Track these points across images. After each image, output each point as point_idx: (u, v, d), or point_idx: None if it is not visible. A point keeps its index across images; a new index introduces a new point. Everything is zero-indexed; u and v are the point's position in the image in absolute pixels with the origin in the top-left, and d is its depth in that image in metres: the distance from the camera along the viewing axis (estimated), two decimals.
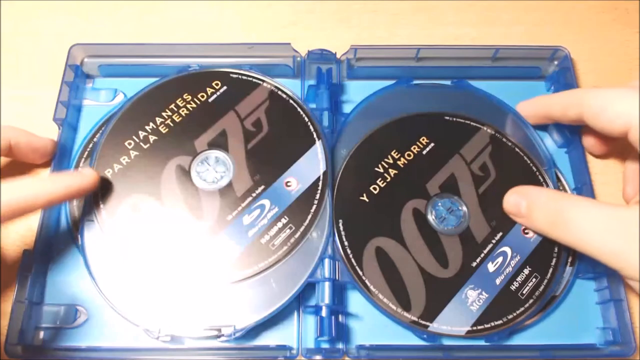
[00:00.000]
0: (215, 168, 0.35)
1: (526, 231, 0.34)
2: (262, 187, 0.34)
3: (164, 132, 0.36)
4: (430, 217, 0.34)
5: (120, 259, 0.32)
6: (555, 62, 0.40)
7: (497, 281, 0.33)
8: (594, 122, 0.32)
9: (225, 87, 0.37)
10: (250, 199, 0.34)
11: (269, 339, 0.32)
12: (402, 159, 0.36)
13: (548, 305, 0.33)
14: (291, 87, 0.38)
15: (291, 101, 0.37)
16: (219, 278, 0.32)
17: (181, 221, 0.33)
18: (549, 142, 0.38)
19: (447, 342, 0.32)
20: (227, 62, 0.39)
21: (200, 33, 0.43)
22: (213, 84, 0.37)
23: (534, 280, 0.33)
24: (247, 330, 0.31)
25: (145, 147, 0.35)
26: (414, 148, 0.36)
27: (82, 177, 0.32)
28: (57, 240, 0.34)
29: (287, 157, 0.35)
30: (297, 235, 0.33)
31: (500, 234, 0.34)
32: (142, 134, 0.35)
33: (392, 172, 0.35)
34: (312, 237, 0.33)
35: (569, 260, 0.34)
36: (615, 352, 0.32)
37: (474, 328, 0.32)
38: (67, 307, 0.32)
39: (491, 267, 0.33)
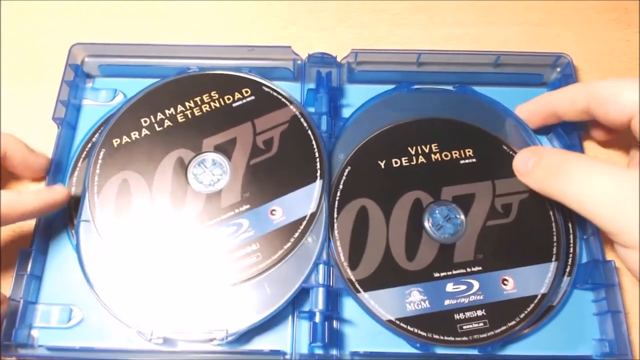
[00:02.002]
0: (212, 171, 0.35)
1: (505, 283, 0.33)
2: (248, 206, 0.34)
3: (180, 121, 0.36)
4: (427, 225, 0.34)
5: (114, 260, 0.32)
6: (558, 69, 0.40)
7: (446, 302, 0.32)
8: (601, 111, 0.32)
9: (252, 97, 0.37)
10: (232, 213, 0.33)
11: (263, 343, 0.32)
12: (400, 163, 0.36)
13: (544, 316, 0.33)
14: (291, 90, 0.38)
15: (309, 132, 0.36)
16: (211, 281, 0.32)
17: (168, 218, 0.33)
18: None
19: (440, 351, 0.32)
20: (227, 64, 0.39)
21: (200, 33, 0.43)
22: (243, 91, 0.37)
23: (477, 325, 0.32)
24: (239, 335, 0.31)
25: (158, 129, 0.35)
26: (419, 153, 0.36)
27: (55, 192, 0.33)
28: (54, 240, 0.34)
29: (283, 185, 0.34)
30: (260, 266, 0.32)
31: (479, 268, 0.33)
32: (159, 116, 0.36)
33: (391, 176, 0.35)
34: (307, 242, 0.33)
35: (567, 270, 0.34)
36: None
37: (397, 322, 0.32)
38: (62, 307, 0.33)
39: (450, 287, 0.33)
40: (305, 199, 0.34)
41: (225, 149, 0.35)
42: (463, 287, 0.33)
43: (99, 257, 0.32)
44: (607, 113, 0.31)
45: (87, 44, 0.39)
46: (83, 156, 0.37)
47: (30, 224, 0.34)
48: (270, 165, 0.35)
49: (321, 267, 0.32)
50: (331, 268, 0.33)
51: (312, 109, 0.37)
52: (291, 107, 0.36)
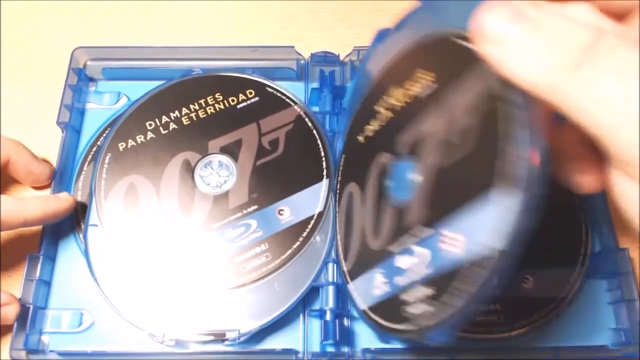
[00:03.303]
0: (219, 172, 0.35)
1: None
2: (255, 207, 0.34)
3: (185, 123, 0.36)
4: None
5: (124, 263, 0.32)
6: None
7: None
8: None
9: (257, 98, 0.37)
10: (240, 214, 0.33)
11: (275, 342, 0.32)
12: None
13: (559, 306, 0.32)
14: (295, 90, 0.38)
15: (314, 131, 0.36)
16: (215, 283, 0.32)
17: (176, 220, 0.33)
18: None
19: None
20: (230, 65, 0.39)
21: (200, 34, 0.43)
22: (247, 92, 0.37)
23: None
24: (251, 335, 0.30)
25: (163, 132, 0.35)
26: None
27: (59, 201, 0.32)
28: (62, 245, 0.34)
29: (290, 185, 0.34)
30: (270, 266, 0.32)
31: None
32: (164, 119, 0.36)
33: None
34: (316, 241, 0.33)
35: (581, 259, 0.33)
36: (628, 354, 0.31)
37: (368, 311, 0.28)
38: (73, 312, 0.32)
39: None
40: (313, 198, 0.34)
41: (231, 151, 0.35)
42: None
43: (108, 261, 0.32)
44: None
45: (89, 48, 0.39)
46: (88, 160, 0.36)
47: (37, 229, 0.34)
48: (277, 165, 0.35)
49: (330, 265, 0.32)
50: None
51: (316, 108, 0.37)
52: (295, 107, 0.36)
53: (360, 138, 0.32)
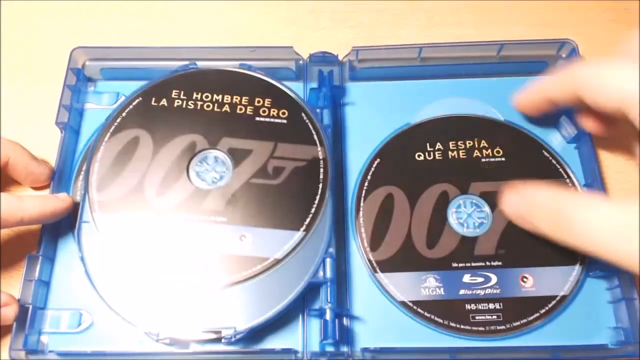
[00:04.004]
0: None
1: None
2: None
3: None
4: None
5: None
6: (563, 56, 0.39)
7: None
8: (592, 102, 0.30)
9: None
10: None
11: (275, 342, 0.32)
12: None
13: (558, 305, 0.32)
14: (298, 90, 0.38)
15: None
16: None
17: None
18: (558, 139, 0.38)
19: (452, 344, 0.32)
20: (230, 65, 0.39)
21: (199, 34, 0.43)
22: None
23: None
24: (247, 332, 0.30)
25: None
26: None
27: (58, 201, 0.32)
28: (61, 245, 0.34)
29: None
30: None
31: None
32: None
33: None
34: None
35: (580, 258, 0.33)
36: (628, 353, 0.31)
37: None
38: (72, 312, 0.32)
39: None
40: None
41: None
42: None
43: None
44: (596, 103, 0.29)
45: (88, 48, 0.39)
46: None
47: (36, 229, 0.34)
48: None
49: (328, 261, 0.32)
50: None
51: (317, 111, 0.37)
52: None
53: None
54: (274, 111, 0.36)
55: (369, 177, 0.36)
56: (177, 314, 0.31)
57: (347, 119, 0.39)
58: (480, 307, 0.32)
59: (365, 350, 0.31)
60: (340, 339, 0.31)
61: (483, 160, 0.36)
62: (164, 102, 0.36)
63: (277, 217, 0.33)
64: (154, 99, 0.36)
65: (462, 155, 0.36)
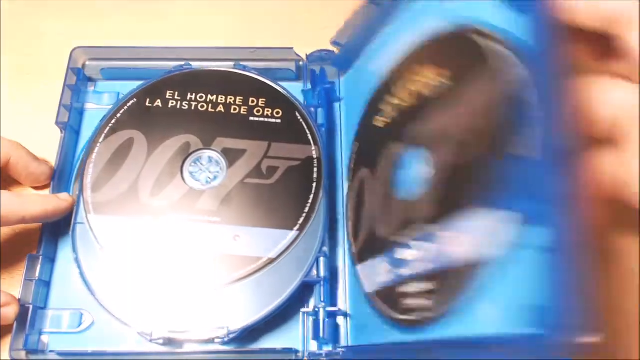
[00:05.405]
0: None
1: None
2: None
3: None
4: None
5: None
6: None
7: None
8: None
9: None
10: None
11: (275, 341, 0.32)
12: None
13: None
14: (293, 90, 0.38)
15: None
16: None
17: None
18: None
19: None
20: (230, 65, 0.39)
21: (199, 34, 0.43)
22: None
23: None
24: (241, 332, 0.31)
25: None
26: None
27: (58, 200, 0.33)
28: (61, 245, 0.34)
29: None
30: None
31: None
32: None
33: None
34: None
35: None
36: None
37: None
38: (72, 312, 0.32)
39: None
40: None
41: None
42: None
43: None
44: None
45: (88, 48, 0.39)
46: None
47: (36, 229, 0.34)
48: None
49: (322, 260, 0.32)
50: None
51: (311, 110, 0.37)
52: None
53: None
54: (268, 111, 0.37)
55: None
56: (171, 314, 0.31)
57: (344, 115, 0.39)
58: None
59: (363, 348, 0.32)
60: (331, 337, 0.31)
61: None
62: (158, 102, 0.36)
63: (271, 217, 0.33)
64: (148, 99, 0.37)
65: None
